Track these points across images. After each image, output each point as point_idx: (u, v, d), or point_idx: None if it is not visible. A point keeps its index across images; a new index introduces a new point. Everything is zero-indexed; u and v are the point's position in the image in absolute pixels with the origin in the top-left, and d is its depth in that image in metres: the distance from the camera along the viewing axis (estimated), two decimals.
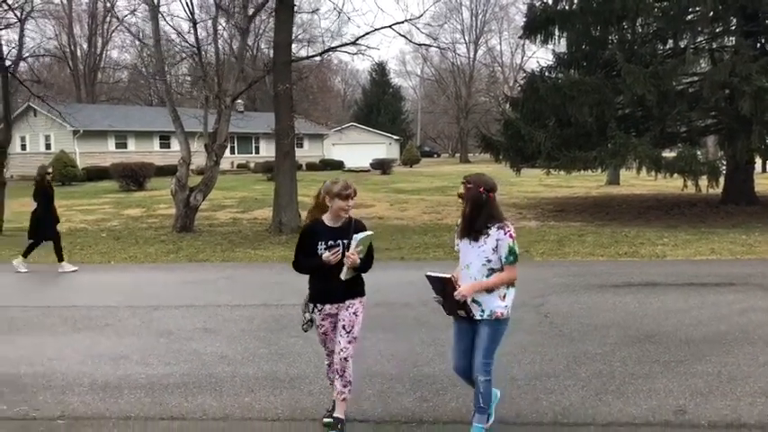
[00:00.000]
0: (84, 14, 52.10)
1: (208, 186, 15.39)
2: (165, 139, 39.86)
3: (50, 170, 10.89)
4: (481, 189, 3.77)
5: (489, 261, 3.78)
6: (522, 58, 63.30)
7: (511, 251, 3.76)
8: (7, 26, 17.71)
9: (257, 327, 6.61)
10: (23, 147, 38.14)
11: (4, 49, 16.78)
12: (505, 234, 3.75)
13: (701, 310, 6.94)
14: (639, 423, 4.14)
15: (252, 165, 40.41)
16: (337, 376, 4.08)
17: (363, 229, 4.11)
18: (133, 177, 27.71)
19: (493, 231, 3.76)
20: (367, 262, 4.10)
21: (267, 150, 42.16)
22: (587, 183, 27.84)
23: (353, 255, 3.93)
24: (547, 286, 8.20)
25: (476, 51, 63.17)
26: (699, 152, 16.65)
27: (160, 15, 15.97)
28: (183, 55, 20.36)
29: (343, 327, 4.08)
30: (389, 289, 7.66)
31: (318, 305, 4.11)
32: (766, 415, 4.22)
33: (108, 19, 51.13)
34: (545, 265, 10.13)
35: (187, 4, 15.60)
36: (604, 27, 16.70)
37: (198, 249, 12.33)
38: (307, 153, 43.29)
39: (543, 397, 4.57)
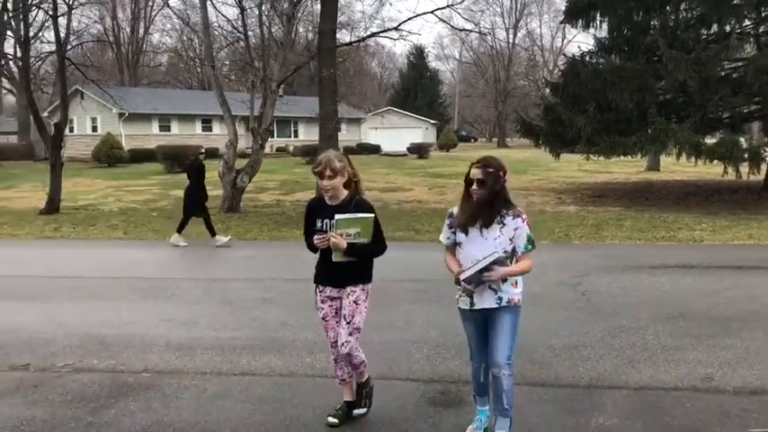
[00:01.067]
0: None
1: (254, 169, 16.01)
2: (206, 123, 40.87)
3: (203, 150, 12.22)
4: (501, 173, 3.49)
5: (506, 252, 3.51)
6: (563, 41, 62.72)
7: (530, 239, 3.53)
8: (62, 14, 18.55)
9: (312, 298, 7.06)
10: (71, 129, 39.49)
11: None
12: (523, 222, 3.52)
13: (735, 290, 7.19)
14: (669, 388, 4.49)
15: (291, 148, 41.01)
16: (347, 365, 3.95)
17: (366, 208, 3.79)
18: (178, 159, 28.55)
19: (509, 220, 3.50)
20: (369, 247, 3.77)
21: (306, 134, 42.84)
22: (627, 168, 27.70)
23: (336, 237, 3.65)
24: (585, 267, 8.52)
25: (515, 35, 62.75)
26: (742, 138, 16.57)
27: (209, 2, 16.57)
28: (228, 40, 20.94)
29: (344, 316, 3.84)
30: (433, 268, 8.01)
31: (320, 286, 3.96)
32: None
33: (150, 3, 52.50)
34: (583, 247, 10.43)
35: None
36: (646, 12, 16.71)
37: (246, 229, 12.93)
38: (344, 137, 43.63)
39: (580, 364, 4.95)
